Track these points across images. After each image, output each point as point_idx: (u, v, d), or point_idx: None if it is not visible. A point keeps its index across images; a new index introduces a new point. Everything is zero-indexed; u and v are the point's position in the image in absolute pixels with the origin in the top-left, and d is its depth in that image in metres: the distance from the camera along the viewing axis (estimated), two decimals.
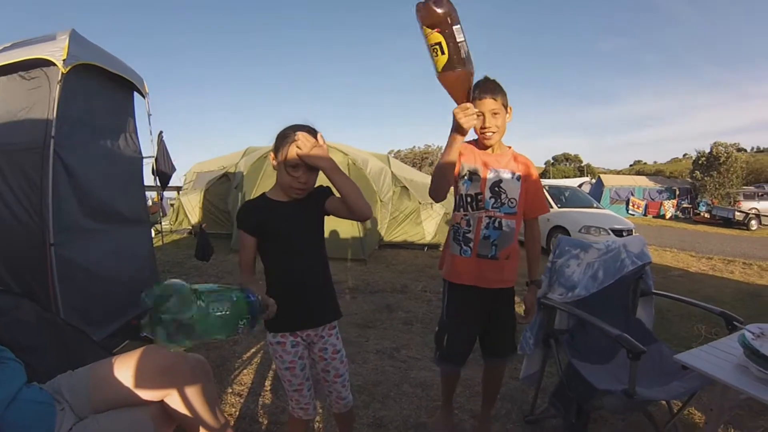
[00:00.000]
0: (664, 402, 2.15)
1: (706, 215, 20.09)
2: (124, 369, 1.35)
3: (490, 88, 1.88)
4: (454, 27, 1.37)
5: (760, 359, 1.36)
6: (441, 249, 2.35)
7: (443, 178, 1.80)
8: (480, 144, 1.97)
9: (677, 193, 23.79)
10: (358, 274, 5.87)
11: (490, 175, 1.92)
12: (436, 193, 1.88)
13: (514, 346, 2.14)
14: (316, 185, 1.62)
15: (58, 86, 2.92)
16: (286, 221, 1.57)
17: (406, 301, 4.74)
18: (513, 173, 1.95)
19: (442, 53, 1.39)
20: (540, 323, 2.19)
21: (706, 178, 23.86)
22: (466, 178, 1.94)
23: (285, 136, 1.51)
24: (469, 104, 1.52)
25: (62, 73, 2.94)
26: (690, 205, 22.87)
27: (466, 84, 1.49)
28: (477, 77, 1.62)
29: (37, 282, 2.75)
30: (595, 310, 2.06)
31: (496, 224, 1.93)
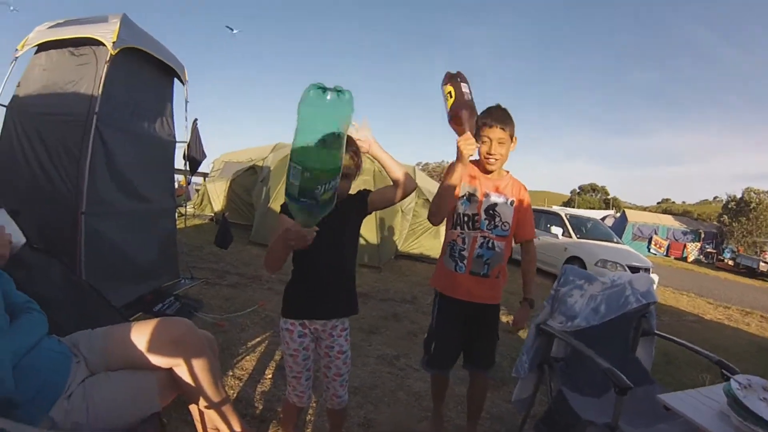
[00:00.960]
0: None
1: (730, 262, 19.61)
2: (140, 335, 1.47)
3: (500, 117, 2.02)
4: (462, 84, 1.83)
5: (741, 409, 1.38)
6: None
7: (445, 200, 1.97)
8: (481, 167, 2.11)
9: (702, 236, 23.20)
10: (371, 281, 5.93)
11: (486, 199, 2.06)
12: (436, 216, 2.04)
13: (494, 360, 2.26)
14: (357, 190, 1.76)
15: (105, 66, 3.07)
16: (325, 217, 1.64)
17: (414, 312, 4.79)
18: (507, 198, 2.10)
19: (451, 97, 1.82)
20: (537, 348, 2.23)
21: (734, 224, 23.27)
22: (465, 198, 2.08)
23: None
24: (469, 134, 1.79)
25: (111, 54, 3.08)
26: (714, 250, 22.29)
27: (467, 122, 1.79)
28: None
29: (65, 246, 2.86)
30: (593, 342, 2.09)
31: (490, 245, 2.07)
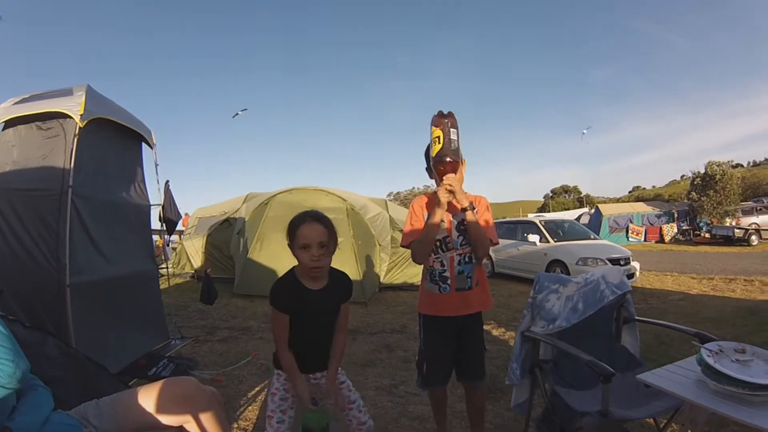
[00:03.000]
0: (651, 421, 2.26)
1: (707, 235, 20.06)
2: (148, 397, 1.52)
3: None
4: (451, 130, 2.00)
5: (713, 374, 1.48)
6: None
7: (429, 245, 2.15)
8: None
9: (676, 216, 23.75)
10: (358, 316, 5.93)
11: (454, 218, 2.20)
12: (422, 258, 2.21)
13: (484, 370, 2.35)
14: (343, 279, 1.92)
15: (75, 138, 3.13)
16: (312, 308, 1.77)
17: (405, 340, 4.82)
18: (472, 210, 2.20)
19: (439, 143, 2.00)
20: (526, 354, 2.31)
21: (703, 198, 23.65)
22: None
23: (294, 224, 1.73)
24: (450, 183, 2.02)
25: (79, 127, 3.15)
26: (690, 227, 22.81)
27: (450, 168, 2.01)
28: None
29: (52, 320, 2.88)
30: (578, 339, 2.19)
31: (467, 258, 2.20)
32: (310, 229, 1.70)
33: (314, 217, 1.73)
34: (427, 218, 2.14)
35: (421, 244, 2.16)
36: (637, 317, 2.60)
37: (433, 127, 2.02)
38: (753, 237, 17.82)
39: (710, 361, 1.52)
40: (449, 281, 2.19)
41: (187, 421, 1.54)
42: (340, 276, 1.92)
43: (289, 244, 1.75)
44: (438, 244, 2.20)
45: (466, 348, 2.27)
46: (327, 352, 1.86)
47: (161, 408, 1.51)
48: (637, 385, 2.18)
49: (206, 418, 1.57)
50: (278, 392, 1.83)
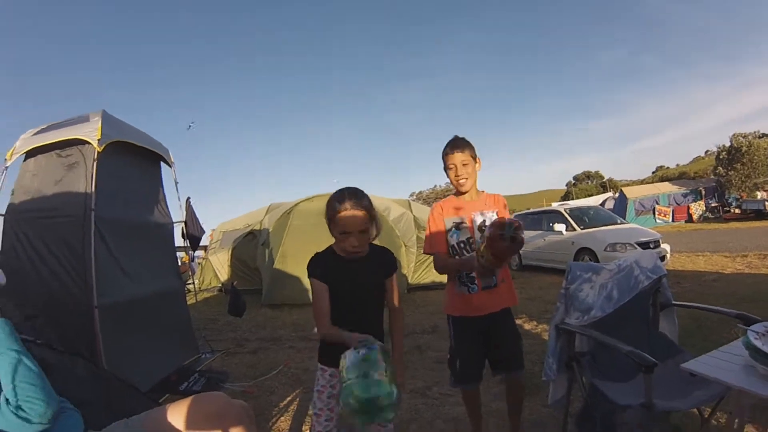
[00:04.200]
0: (696, 411, 2.16)
1: (737, 210, 19.63)
2: (177, 415, 1.51)
3: (457, 144, 2.20)
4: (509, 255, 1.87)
5: (763, 357, 1.40)
6: None
7: (452, 272, 2.24)
8: (457, 191, 2.27)
9: (703, 193, 23.16)
10: (386, 319, 5.80)
11: (475, 219, 2.19)
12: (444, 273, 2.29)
13: (523, 360, 2.30)
14: (384, 252, 1.87)
15: (94, 163, 3.20)
16: (349, 279, 1.73)
17: (437, 340, 4.73)
18: (492, 211, 2.22)
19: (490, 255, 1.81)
20: (561, 348, 2.24)
21: (730, 173, 22.92)
22: (454, 229, 2.21)
23: (333, 207, 1.67)
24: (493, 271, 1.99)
25: (97, 152, 3.22)
26: (718, 203, 22.23)
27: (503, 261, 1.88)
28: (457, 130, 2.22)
29: (83, 341, 2.91)
30: (614, 329, 2.12)
31: None
32: (352, 218, 1.65)
33: (355, 203, 1.66)
34: (457, 259, 2.17)
35: (444, 268, 2.23)
36: (674, 302, 2.50)
37: (483, 247, 1.82)
38: None
39: (758, 344, 1.44)
40: (476, 282, 2.18)
41: None
42: (381, 250, 1.88)
43: (327, 223, 1.71)
44: (462, 245, 2.20)
45: (499, 341, 2.24)
46: (372, 335, 1.74)
47: (191, 425, 1.49)
48: (678, 374, 2.10)
49: None
50: (325, 390, 1.79)
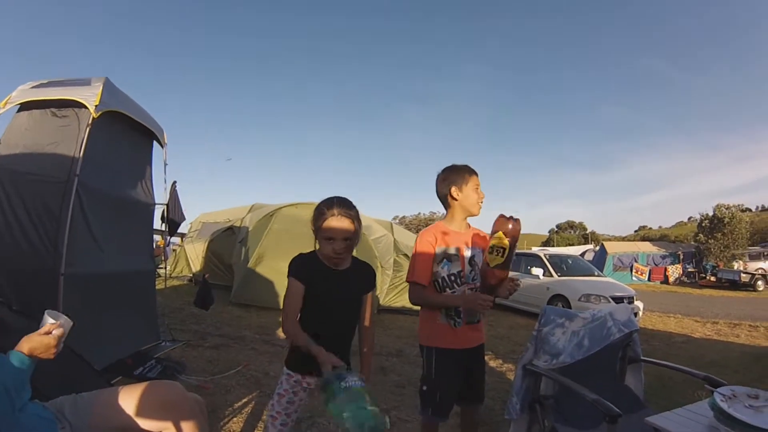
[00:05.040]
0: None
1: (712, 278, 19.97)
2: (129, 399, 1.45)
3: (474, 170, 2.21)
4: (516, 244, 1.88)
5: (727, 420, 1.40)
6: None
7: (435, 308, 2.16)
8: (463, 215, 2.24)
9: (681, 257, 23.54)
10: (355, 339, 5.73)
11: (466, 253, 2.17)
12: (420, 304, 2.23)
13: (484, 395, 2.31)
14: (365, 267, 1.90)
15: (87, 129, 3.12)
16: (329, 287, 1.74)
17: (401, 364, 4.68)
18: (478, 250, 2.19)
19: (501, 256, 1.86)
20: (527, 388, 2.22)
21: (710, 241, 23.34)
22: (445, 260, 2.15)
23: (321, 212, 1.70)
24: (490, 301, 1.94)
25: (93, 117, 3.14)
26: (695, 269, 22.61)
27: (500, 282, 1.95)
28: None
29: (42, 307, 2.80)
30: (582, 376, 2.10)
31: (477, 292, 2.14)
32: (339, 224, 1.68)
33: (343, 212, 1.69)
34: (445, 294, 2.13)
35: (420, 299, 2.17)
36: (642, 357, 2.51)
37: (501, 233, 1.87)
38: (759, 282, 17.73)
39: (724, 406, 1.44)
40: (462, 316, 2.14)
41: (166, 428, 1.47)
42: (363, 264, 1.90)
43: (313, 228, 1.73)
44: (452, 278, 2.15)
45: (475, 375, 2.23)
46: (341, 348, 1.75)
47: (142, 411, 1.44)
48: (642, 429, 2.09)
49: (187, 427, 1.49)
50: (287, 394, 1.76)
